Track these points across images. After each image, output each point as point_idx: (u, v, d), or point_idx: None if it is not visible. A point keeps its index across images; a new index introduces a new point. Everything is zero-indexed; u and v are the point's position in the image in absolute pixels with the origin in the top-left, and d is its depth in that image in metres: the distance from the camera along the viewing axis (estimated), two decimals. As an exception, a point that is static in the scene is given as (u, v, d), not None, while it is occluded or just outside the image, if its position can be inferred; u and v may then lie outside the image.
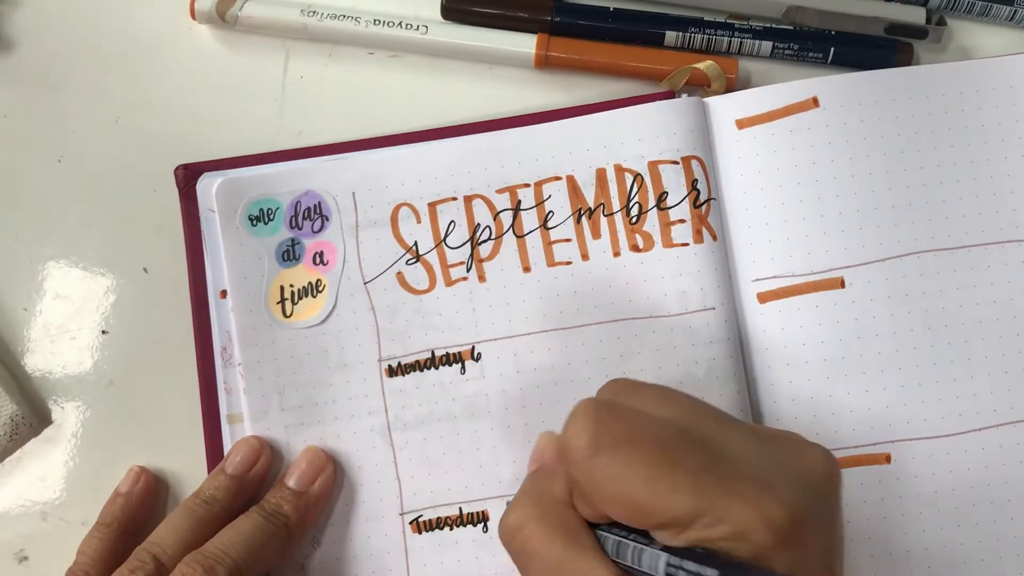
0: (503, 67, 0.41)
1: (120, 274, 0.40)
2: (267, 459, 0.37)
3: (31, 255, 0.41)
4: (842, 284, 0.36)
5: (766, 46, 0.39)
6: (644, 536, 0.27)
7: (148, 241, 0.41)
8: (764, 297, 0.36)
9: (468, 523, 0.37)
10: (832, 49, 0.38)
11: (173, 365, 0.39)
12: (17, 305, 0.40)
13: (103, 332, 0.40)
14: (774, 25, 0.39)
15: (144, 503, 0.38)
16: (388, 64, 0.41)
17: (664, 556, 0.26)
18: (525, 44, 0.40)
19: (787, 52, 0.39)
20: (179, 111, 0.41)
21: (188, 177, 0.39)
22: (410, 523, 0.37)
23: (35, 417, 0.39)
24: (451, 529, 0.37)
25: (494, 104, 0.40)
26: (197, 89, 0.42)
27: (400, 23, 0.40)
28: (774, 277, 0.36)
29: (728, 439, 0.27)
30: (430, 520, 0.37)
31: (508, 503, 0.30)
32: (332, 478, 0.37)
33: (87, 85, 0.42)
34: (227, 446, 0.38)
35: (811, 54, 0.39)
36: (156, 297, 0.40)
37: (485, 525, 0.37)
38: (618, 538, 0.27)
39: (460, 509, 0.37)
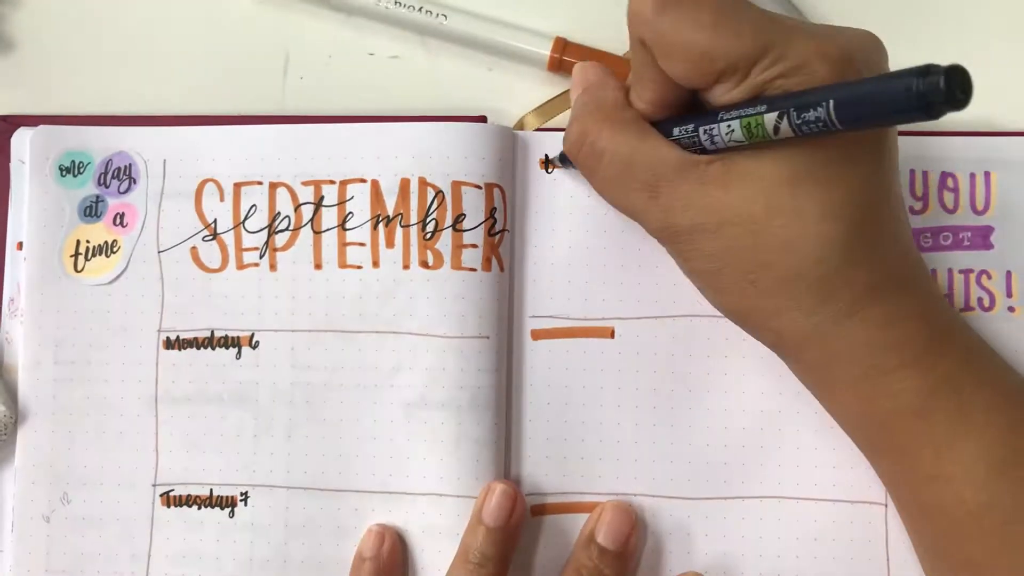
0: (503, 73, 0.40)
1: None
2: (523, 503, 0.35)
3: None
4: (612, 334, 0.36)
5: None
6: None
7: None
8: (537, 335, 0.37)
9: (216, 505, 0.37)
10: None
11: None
12: None
13: None
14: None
15: (393, 567, 0.35)
16: (388, 66, 0.41)
17: (719, 113, 0.27)
18: (541, 45, 0.39)
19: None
20: (178, 113, 0.40)
21: (6, 130, 0.39)
22: (160, 495, 0.37)
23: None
24: (199, 508, 0.37)
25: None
26: (196, 91, 0.41)
27: (420, 8, 0.39)
28: (551, 316, 0.37)
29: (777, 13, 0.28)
30: (180, 496, 0.37)
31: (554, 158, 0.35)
32: (640, 536, 0.35)
33: (87, 85, 0.41)
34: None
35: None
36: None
37: (232, 511, 0.37)
38: (672, 124, 0.29)
39: (211, 491, 0.37)
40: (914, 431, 0.29)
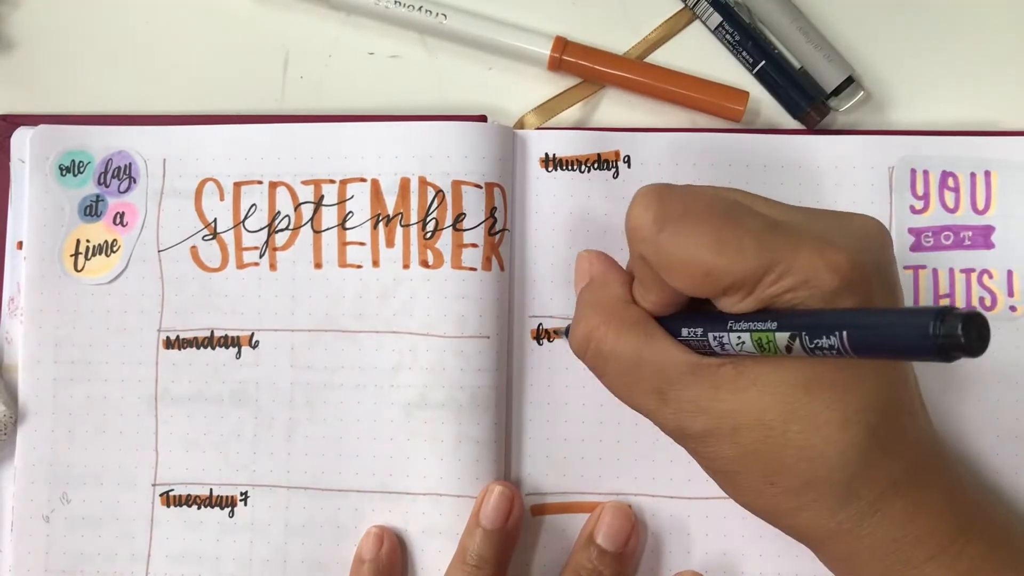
0: (503, 72, 0.40)
1: None
2: (521, 504, 0.35)
3: None
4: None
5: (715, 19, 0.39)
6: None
7: None
8: (537, 334, 0.36)
9: (216, 505, 0.37)
10: (762, 63, 0.38)
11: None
12: None
13: None
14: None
15: (392, 570, 0.36)
16: (387, 65, 0.40)
17: (728, 321, 0.27)
18: (541, 44, 0.39)
19: (728, 37, 0.39)
20: (178, 112, 0.40)
21: (6, 130, 0.39)
22: (160, 495, 0.37)
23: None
24: (198, 508, 0.37)
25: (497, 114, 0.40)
26: (196, 91, 0.41)
27: (420, 7, 0.39)
28: (551, 316, 0.37)
29: (778, 211, 0.28)
30: (180, 496, 0.37)
31: (560, 329, 0.35)
32: (640, 537, 0.36)
33: (87, 85, 0.41)
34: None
35: (744, 54, 0.38)
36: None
37: (232, 511, 0.37)
38: (681, 324, 0.28)
39: (211, 490, 0.37)
40: None
